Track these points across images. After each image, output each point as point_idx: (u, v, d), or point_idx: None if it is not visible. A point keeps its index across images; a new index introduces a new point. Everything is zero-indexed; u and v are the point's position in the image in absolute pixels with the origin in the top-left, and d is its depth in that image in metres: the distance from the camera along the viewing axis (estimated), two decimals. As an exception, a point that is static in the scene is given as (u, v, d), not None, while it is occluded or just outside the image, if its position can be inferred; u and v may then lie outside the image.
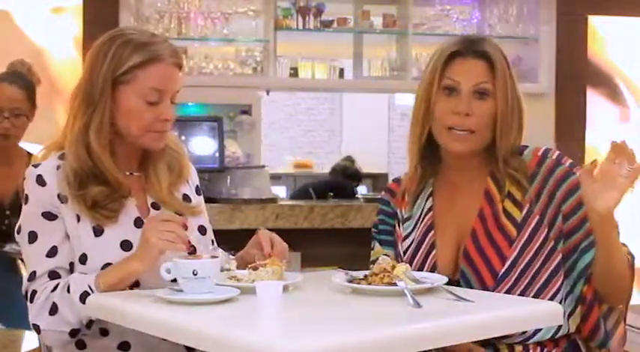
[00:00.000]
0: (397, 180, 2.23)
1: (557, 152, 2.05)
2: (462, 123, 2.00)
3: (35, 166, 1.98)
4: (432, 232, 2.08)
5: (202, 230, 2.11)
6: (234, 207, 3.71)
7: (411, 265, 2.06)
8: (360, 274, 1.91)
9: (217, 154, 3.89)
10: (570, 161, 2.04)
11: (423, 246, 2.08)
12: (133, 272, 1.86)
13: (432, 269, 2.04)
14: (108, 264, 1.92)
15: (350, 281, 1.87)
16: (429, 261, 2.05)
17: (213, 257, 1.83)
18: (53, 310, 1.88)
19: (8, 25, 4.23)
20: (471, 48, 2.04)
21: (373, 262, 2.11)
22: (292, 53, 5.12)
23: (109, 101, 1.95)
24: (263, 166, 4.53)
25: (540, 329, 1.96)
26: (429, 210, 2.10)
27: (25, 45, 4.25)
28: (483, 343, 1.94)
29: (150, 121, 1.96)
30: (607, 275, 1.93)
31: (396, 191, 2.20)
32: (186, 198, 2.11)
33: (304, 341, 1.45)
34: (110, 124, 1.96)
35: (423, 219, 2.11)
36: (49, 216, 1.94)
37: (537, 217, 1.99)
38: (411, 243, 2.11)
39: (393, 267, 1.86)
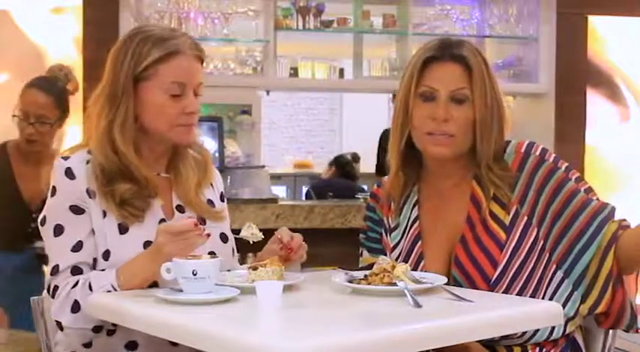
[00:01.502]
0: (381, 185, 2.21)
1: (541, 147, 2.02)
2: (441, 128, 1.98)
3: (65, 159, 1.98)
4: (420, 242, 2.07)
5: (224, 238, 2.10)
6: (234, 207, 3.71)
7: None
8: (360, 274, 1.91)
9: (217, 154, 3.89)
10: (554, 156, 2.01)
11: (411, 257, 2.07)
12: (154, 276, 1.85)
13: None
14: None
15: (350, 281, 1.87)
16: (418, 271, 2.04)
17: (213, 256, 1.83)
18: (75, 308, 1.88)
19: (8, 24, 4.23)
20: (447, 52, 2.01)
21: (362, 268, 2.10)
22: (292, 53, 5.11)
23: (131, 98, 1.96)
24: (263, 166, 4.53)
25: (537, 331, 1.95)
26: (415, 219, 2.09)
27: (25, 45, 4.25)
28: (482, 345, 1.93)
29: (175, 115, 1.97)
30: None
31: (381, 196, 2.19)
32: (210, 203, 2.12)
33: (304, 341, 1.45)
34: (135, 122, 1.97)
35: (410, 229, 2.09)
36: (77, 209, 1.94)
37: (525, 218, 1.97)
38: (400, 253, 2.10)
39: (393, 267, 1.86)
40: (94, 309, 1.82)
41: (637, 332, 1.99)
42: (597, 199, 1.99)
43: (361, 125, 10.44)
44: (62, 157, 1.99)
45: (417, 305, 1.68)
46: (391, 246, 2.13)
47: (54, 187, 1.97)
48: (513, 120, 5.02)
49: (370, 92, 7.48)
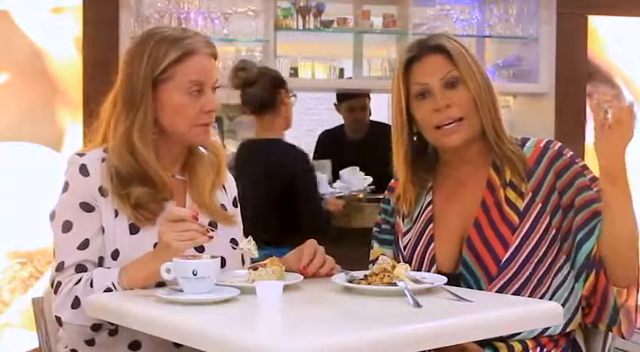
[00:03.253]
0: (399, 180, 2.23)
1: (560, 144, 2.06)
2: (447, 116, 2.01)
3: (80, 155, 1.99)
4: (431, 225, 2.09)
5: (235, 243, 2.09)
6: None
7: (411, 259, 2.08)
8: (360, 274, 1.91)
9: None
10: (572, 153, 2.05)
11: (422, 240, 2.08)
12: (157, 273, 1.83)
13: (432, 263, 2.04)
14: None
15: (350, 281, 1.87)
16: (428, 253, 2.06)
17: (213, 257, 1.83)
18: (76, 304, 1.88)
19: (8, 25, 4.22)
20: (423, 47, 2.06)
21: (372, 262, 2.12)
22: (292, 53, 5.10)
23: (150, 101, 1.96)
24: (263, 166, 4.52)
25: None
26: (429, 203, 2.11)
27: (25, 45, 4.24)
28: (481, 342, 1.94)
29: (195, 114, 1.98)
30: (614, 243, 1.91)
31: (396, 189, 2.20)
32: (222, 207, 2.12)
33: (304, 341, 1.45)
34: (154, 124, 1.97)
35: (423, 212, 2.11)
36: (87, 207, 1.95)
37: (540, 206, 1.99)
38: (411, 237, 2.11)
39: (393, 267, 1.86)
40: (94, 309, 1.82)
41: (620, 335, 1.99)
42: None
43: (361, 125, 10.42)
44: (77, 153, 2.00)
45: (417, 305, 1.68)
46: (404, 230, 2.15)
47: (66, 183, 1.97)
48: (513, 120, 5.03)
49: (370, 92, 7.48)
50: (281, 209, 3.75)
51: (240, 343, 1.46)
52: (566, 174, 2.00)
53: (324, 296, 1.85)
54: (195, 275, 1.74)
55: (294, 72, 5.05)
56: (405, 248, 2.12)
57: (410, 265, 2.07)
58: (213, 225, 2.06)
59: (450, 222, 2.07)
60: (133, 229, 1.96)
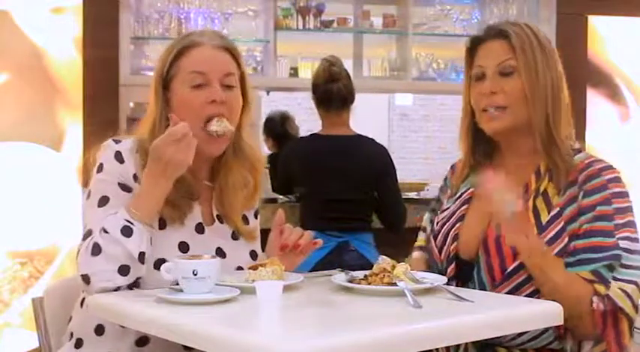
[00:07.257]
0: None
1: (605, 164, 1.99)
2: (490, 102, 2.01)
3: (116, 142, 1.99)
4: (466, 206, 2.09)
5: (254, 255, 2.10)
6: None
7: (437, 234, 2.08)
8: (360, 274, 1.91)
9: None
10: (612, 176, 1.96)
11: (453, 217, 2.08)
12: (164, 192, 1.84)
13: (453, 240, 2.04)
14: (161, 260, 1.88)
15: (350, 281, 1.87)
16: (452, 230, 2.05)
17: (213, 257, 1.83)
18: (96, 250, 1.84)
19: (8, 25, 4.22)
20: (491, 31, 2.07)
21: (423, 229, 2.23)
22: (292, 53, 5.11)
23: (161, 101, 1.99)
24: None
25: (543, 334, 1.94)
26: (474, 185, 2.10)
27: (25, 45, 4.24)
28: (483, 347, 1.93)
29: (199, 105, 1.96)
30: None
31: (457, 168, 2.21)
32: (245, 219, 2.12)
33: (304, 341, 1.45)
34: (166, 127, 1.93)
35: (465, 192, 2.12)
36: (125, 187, 1.94)
37: (562, 223, 1.92)
38: (446, 214, 2.12)
39: (393, 267, 1.86)
40: (95, 309, 1.82)
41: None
42: (626, 239, 1.92)
43: (361, 125, 10.43)
44: (114, 139, 1.99)
45: (417, 305, 1.68)
46: (444, 207, 2.16)
47: (101, 164, 1.96)
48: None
49: (370, 92, 7.47)
50: (372, 201, 3.80)
51: (240, 343, 1.46)
52: (592, 197, 1.92)
53: (324, 296, 1.85)
54: (195, 275, 1.74)
55: (294, 72, 5.06)
56: (437, 222, 2.13)
57: (435, 240, 2.08)
58: (235, 235, 2.06)
59: (483, 209, 2.03)
60: (161, 224, 1.95)
